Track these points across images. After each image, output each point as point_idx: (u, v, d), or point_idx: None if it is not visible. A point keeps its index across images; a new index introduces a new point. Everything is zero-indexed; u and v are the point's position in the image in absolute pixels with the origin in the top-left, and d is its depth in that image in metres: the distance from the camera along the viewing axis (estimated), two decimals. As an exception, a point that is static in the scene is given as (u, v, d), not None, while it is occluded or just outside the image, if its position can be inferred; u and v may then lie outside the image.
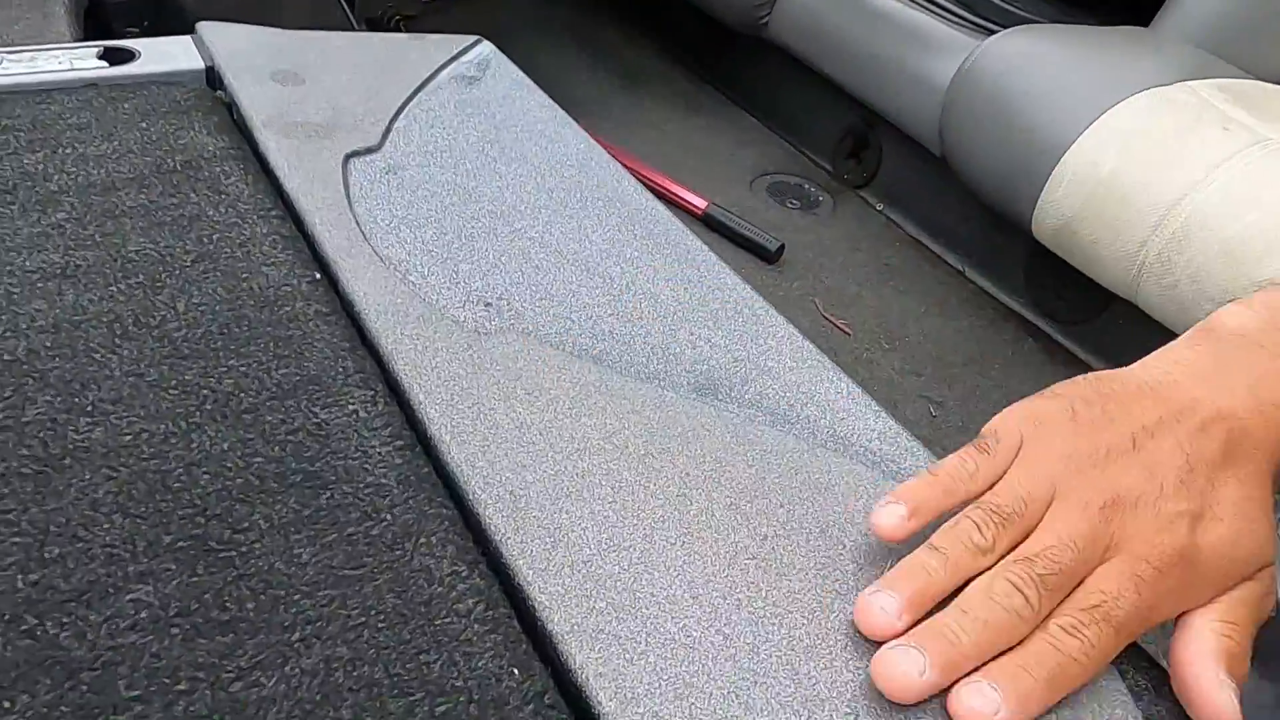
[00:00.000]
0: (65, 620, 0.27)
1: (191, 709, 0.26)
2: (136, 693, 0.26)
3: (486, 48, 0.64)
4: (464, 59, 0.62)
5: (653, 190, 1.49)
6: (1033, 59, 1.26)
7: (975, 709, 0.26)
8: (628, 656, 0.28)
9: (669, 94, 1.87)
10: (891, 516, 0.31)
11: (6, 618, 0.27)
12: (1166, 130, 1.12)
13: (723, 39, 1.80)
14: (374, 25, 1.74)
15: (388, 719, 0.26)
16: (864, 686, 0.28)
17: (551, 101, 0.60)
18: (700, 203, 1.52)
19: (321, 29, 0.70)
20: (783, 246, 1.46)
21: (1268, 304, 0.35)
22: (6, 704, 0.25)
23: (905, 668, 0.27)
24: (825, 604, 0.31)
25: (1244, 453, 0.30)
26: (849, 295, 1.41)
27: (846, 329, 1.34)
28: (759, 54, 1.73)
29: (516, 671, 0.28)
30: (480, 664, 0.28)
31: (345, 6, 1.44)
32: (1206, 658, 0.28)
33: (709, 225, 1.50)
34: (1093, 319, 1.34)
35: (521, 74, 0.63)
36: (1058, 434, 0.32)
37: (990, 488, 0.31)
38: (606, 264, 0.46)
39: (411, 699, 0.27)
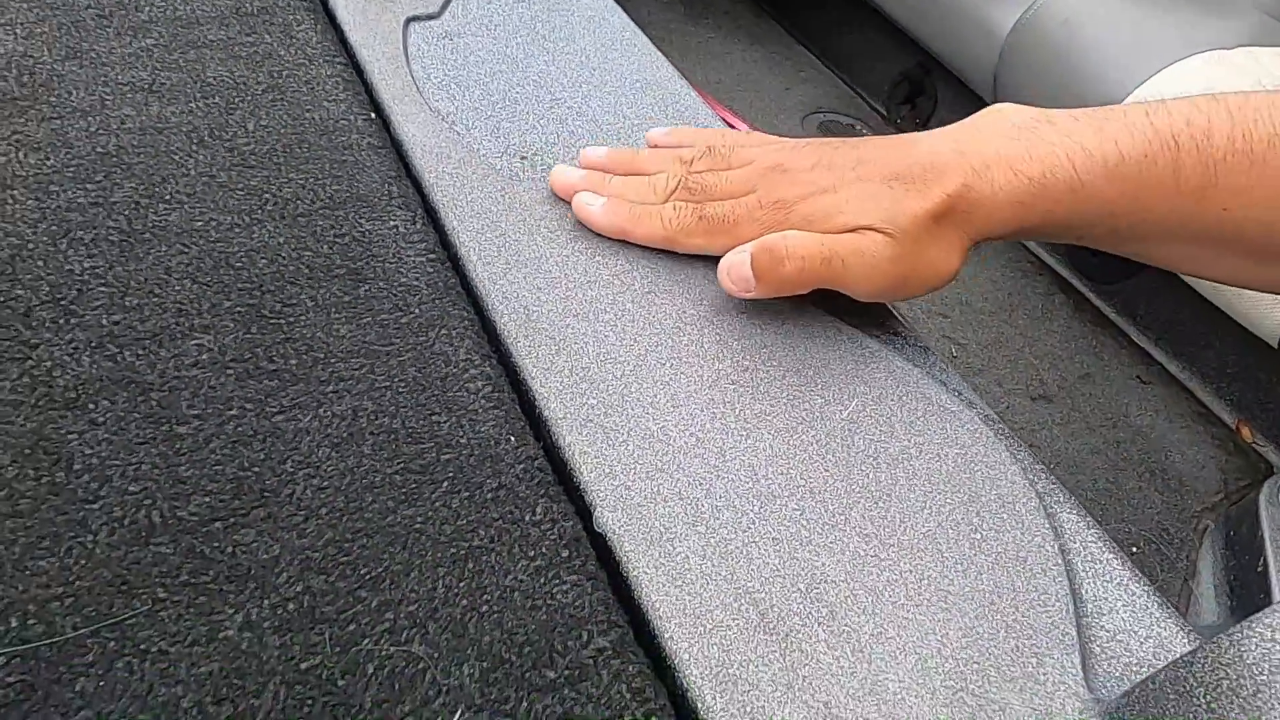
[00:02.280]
0: (140, 352, 0.32)
1: (240, 429, 0.31)
2: (196, 412, 0.31)
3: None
4: (526, -55, 0.66)
5: None
6: (1095, 12, 1.25)
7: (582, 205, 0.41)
8: (609, 443, 0.33)
9: (733, 26, 1.88)
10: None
11: (94, 344, 0.32)
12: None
13: (790, -27, 1.79)
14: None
15: (400, 458, 0.31)
16: (810, 489, 0.33)
17: (606, -7, 0.63)
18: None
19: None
20: (826, 183, 1.48)
21: (1046, 113, 0.39)
22: (91, 406, 0.30)
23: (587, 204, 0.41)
24: (789, 424, 0.35)
25: (920, 176, 0.36)
26: (886, 236, 1.42)
27: (879, 268, 1.36)
28: (825, -9, 1.72)
29: (513, 439, 0.33)
30: (483, 430, 0.33)
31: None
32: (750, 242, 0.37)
33: (756, 156, 1.51)
34: (1124, 281, 1.34)
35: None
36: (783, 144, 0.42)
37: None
38: (635, 135, 0.49)
39: (421, 446, 0.32)
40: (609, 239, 0.42)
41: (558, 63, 0.54)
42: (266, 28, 0.50)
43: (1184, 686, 0.25)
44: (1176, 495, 1.11)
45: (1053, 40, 1.27)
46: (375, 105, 0.47)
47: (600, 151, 0.45)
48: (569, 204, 0.43)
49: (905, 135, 0.40)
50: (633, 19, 0.62)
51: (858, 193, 0.37)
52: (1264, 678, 0.23)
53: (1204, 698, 0.24)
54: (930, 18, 1.49)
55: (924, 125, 1.64)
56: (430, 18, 0.55)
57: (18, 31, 0.44)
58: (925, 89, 1.62)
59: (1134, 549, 1.03)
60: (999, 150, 0.37)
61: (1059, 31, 1.27)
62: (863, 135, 1.65)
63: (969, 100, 1.48)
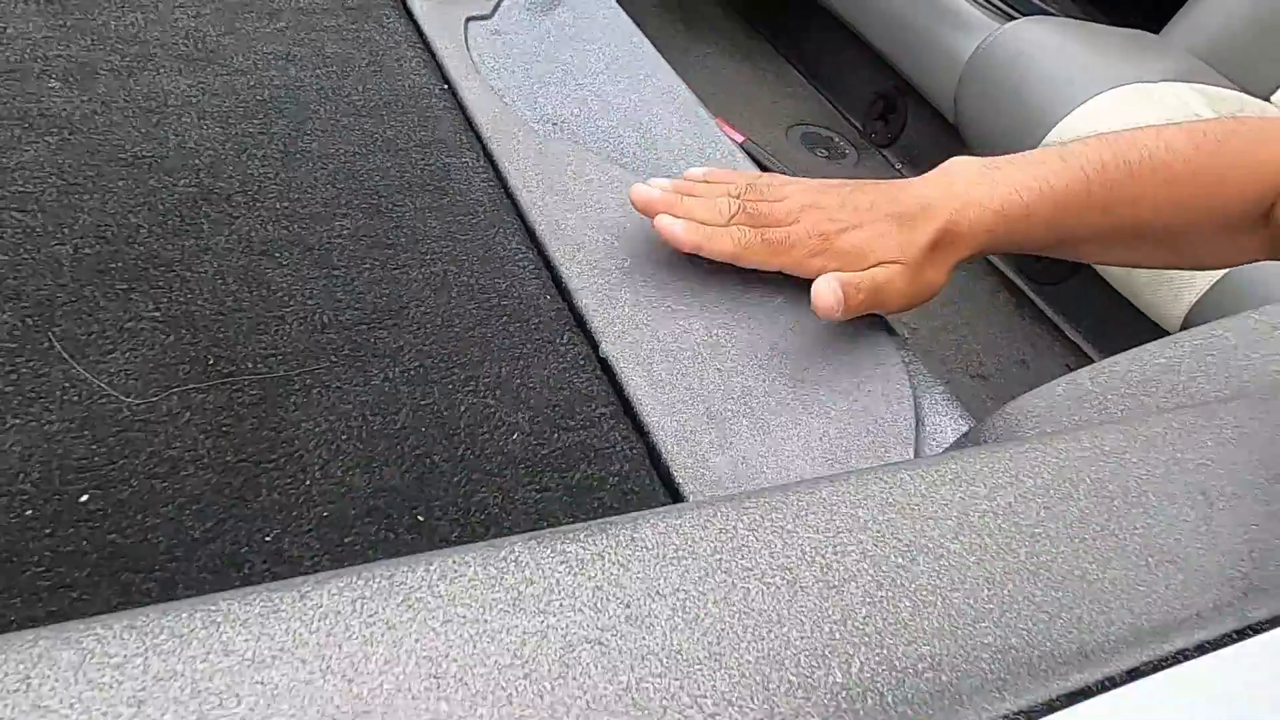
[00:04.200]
0: (303, 226, 0.48)
1: (371, 276, 0.47)
2: (343, 264, 0.47)
3: (574, -41, 0.84)
4: (556, -34, 0.82)
5: None
6: (1042, 46, 1.43)
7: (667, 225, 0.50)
8: (611, 302, 0.49)
9: (726, 43, 2.06)
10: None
11: (273, 219, 0.48)
12: (1139, 121, 1.29)
13: (782, -2, 1.97)
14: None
15: (475, 300, 0.47)
16: (747, 341, 0.49)
17: (618, 6, 0.80)
18: (738, 136, 1.72)
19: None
20: (803, 186, 1.65)
21: (992, 161, 0.54)
22: (277, 254, 0.46)
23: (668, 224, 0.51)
24: (740, 307, 0.51)
25: (917, 216, 0.50)
26: (854, 235, 1.60)
27: (846, 261, 1.54)
28: (810, 15, 1.90)
29: (548, 297, 0.49)
30: (528, 288, 0.49)
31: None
32: (828, 276, 0.48)
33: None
34: (1061, 283, 1.52)
35: (599, -17, 0.82)
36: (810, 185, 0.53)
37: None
38: (639, 115, 0.66)
39: (488, 296, 0.48)
40: (611, 180, 0.58)
41: (580, 57, 0.71)
42: (365, 19, 0.66)
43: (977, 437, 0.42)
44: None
45: (1004, 69, 1.45)
46: (446, 79, 0.63)
47: (667, 181, 0.54)
48: (587, 155, 0.59)
49: (896, 182, 0.52)
50: None
51: (877, 230, 0.50)
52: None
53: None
54: (901, 42, 1.67)
55: (894, 139, 1.82)
56: (485, 18, 0.72)
57: (189, 13, 0.61)
58: (897, 107, 1.80)
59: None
60: (969, 192, 0.50)
61: (1010, 61, 1.45)
62: (840, 146, 1.83)
63: (933, 119, 1.66)
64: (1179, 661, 0.26)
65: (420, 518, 0.37)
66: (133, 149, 0.50)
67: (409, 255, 0.49)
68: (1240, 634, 0.27)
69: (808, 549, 0.25)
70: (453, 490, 0.38)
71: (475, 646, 0.21)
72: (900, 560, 0.25)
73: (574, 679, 0.21)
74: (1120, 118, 1.30)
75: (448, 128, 0.59)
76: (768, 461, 0.44)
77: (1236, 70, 1.49)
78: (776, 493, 0.26)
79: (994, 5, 1.57)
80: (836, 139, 1.85)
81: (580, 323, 0.49)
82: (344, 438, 0.39)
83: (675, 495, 0.41)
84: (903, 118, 1.79)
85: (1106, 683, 0.24)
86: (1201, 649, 0.26)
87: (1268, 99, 1.49)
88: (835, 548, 0.25)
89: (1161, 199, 0.53)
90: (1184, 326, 1.21)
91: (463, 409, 0.42)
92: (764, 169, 1.72)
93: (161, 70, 0.55)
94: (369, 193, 0.52)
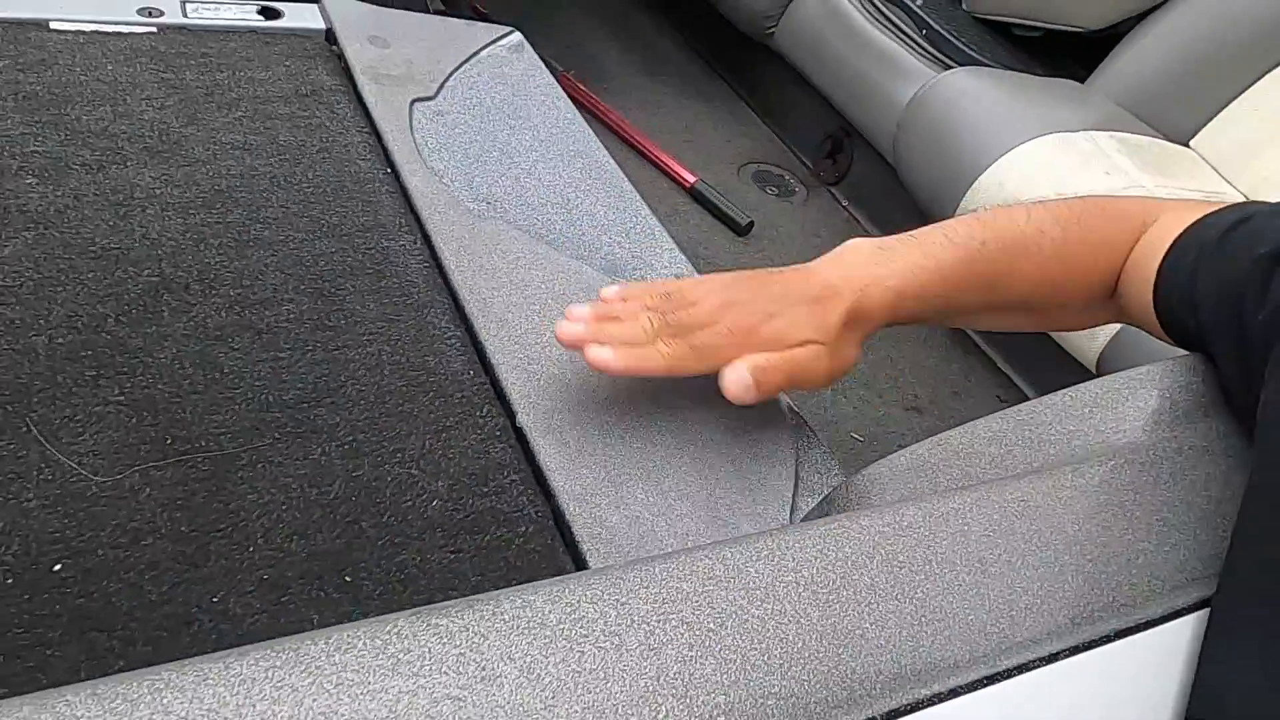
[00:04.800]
0: (254, 311, 0.55)
1: (314, 356, 0.53)
2: (289, 346, 0.53)
3: (517, 37, 0.91)
4: (500, 43, 0.89)
5: (652, 162, 1.81)
6: (973, 96, 1.52)
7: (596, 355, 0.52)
8: (529, 377, 0.56)
9: (683, 82, 2.14)
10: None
11: (227, 305, 0.54)
12: (1060, 167, 1.38)
13: (736, 41, 2.06)
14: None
15: (406, 378, 0.54)
16: (653, 402, 0.56)
17: (555, 83, 0.87)
18: (690, 178, 1.79)
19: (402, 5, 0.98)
20: (752, 224, 1.73)
21: (884, 242, 0.60)
22: (230, 339, 0.53)
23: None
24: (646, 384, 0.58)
25: (827, 299, 0.55)
26: (800, 271, 1.68)
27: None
28: (764, 58, 1.99)
29: (472, 372, 0.55)
30: (454, 365, 0.55)
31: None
32: (736, 364, 0.51)
33: (694, 197, 1.77)
34: (995, 317, 1.60)
35: (538, 59, 0.89)
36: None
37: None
38: (567, 192, 0.73)
39: (418, 372, 0.54)
40: (538, 258, 0.65)
41: (517, 135, 0.78)
42: (317, 105, 0.73)
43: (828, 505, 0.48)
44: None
45: (938, 116, 1.53)
46: (390, 163, 0.70)
47: (584, 309, 0.54)
48: (513, 232, 0.66)
49: (800, 268, 0.56)
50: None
51: (794, 315, 0.53)
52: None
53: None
54: (846, 88, 1.75)
55: (841, 178, 1.91)
56: (428, 99, 0.78)
57: (155, 105, 0.67)
58: (844, 148, 1.88)
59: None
60: (870, 273, 0.56)
61: (943, 109, 1.53)
62: (790, 184, 1.91)
63: (876, 160, 1.74)
64: (933, 704, 0.33)
65: (348, 579, 0.43)
66: (101, 241, 0.56)
67: (348, 337, 0.55)
68: (990, 680, 0.34)
69: (635, 618, 0.32)
70: (378, 553, 0.45)
71: (359, 704, 0.27)
72: (711, 625, 0.32)
73: (435, 728, 0.27)
74: (1042, 165, 1.39)
75: (389, 211, 0.65)
76: (659, 521, 0.50)
77: (1156, 117, 1.59)
78: (618, 570, 0.33)
79: (931, 54, 1.66)
80: (787, 177, 1.93)
81: (500, 395, 0.55)
82: (284, 508, 0.45)
83: (575, 554, 0.48)
84: (849, 158, 1.88)
85: (866, 723, 0.31)
86: (954, 693, 0.33)
87: (1185, 144, 1.59)
88: (659, 616, 0.32)
89: (1032, 275, 0.60)
90: (1099, 361, 1.29)
91: (389, 479, 0.48)
92: (716, 210, 1.81)
93: (129, 163, 0.62)
94: (314, 278, 0.58)
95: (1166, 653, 0.40)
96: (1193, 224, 0.55)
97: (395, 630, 0.29)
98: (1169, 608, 0.40)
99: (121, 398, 0.48)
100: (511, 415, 0.54)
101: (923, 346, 1.57)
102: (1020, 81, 1.58)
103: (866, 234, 1.80)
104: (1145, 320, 0.58)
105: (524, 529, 0.48)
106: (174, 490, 0.45)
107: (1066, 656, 0.36)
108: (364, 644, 0.28)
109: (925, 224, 0.60)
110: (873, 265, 0.57)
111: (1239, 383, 0.48)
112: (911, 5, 1.72)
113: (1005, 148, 1.42)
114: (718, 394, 0.58)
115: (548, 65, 0.92)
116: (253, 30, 0.79)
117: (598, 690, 0.29)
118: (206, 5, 0.80)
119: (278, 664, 0.27)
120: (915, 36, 1.69)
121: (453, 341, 0.57)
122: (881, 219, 1.83)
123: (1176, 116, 1.59)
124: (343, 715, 0.27)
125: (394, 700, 0.27)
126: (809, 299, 0.55)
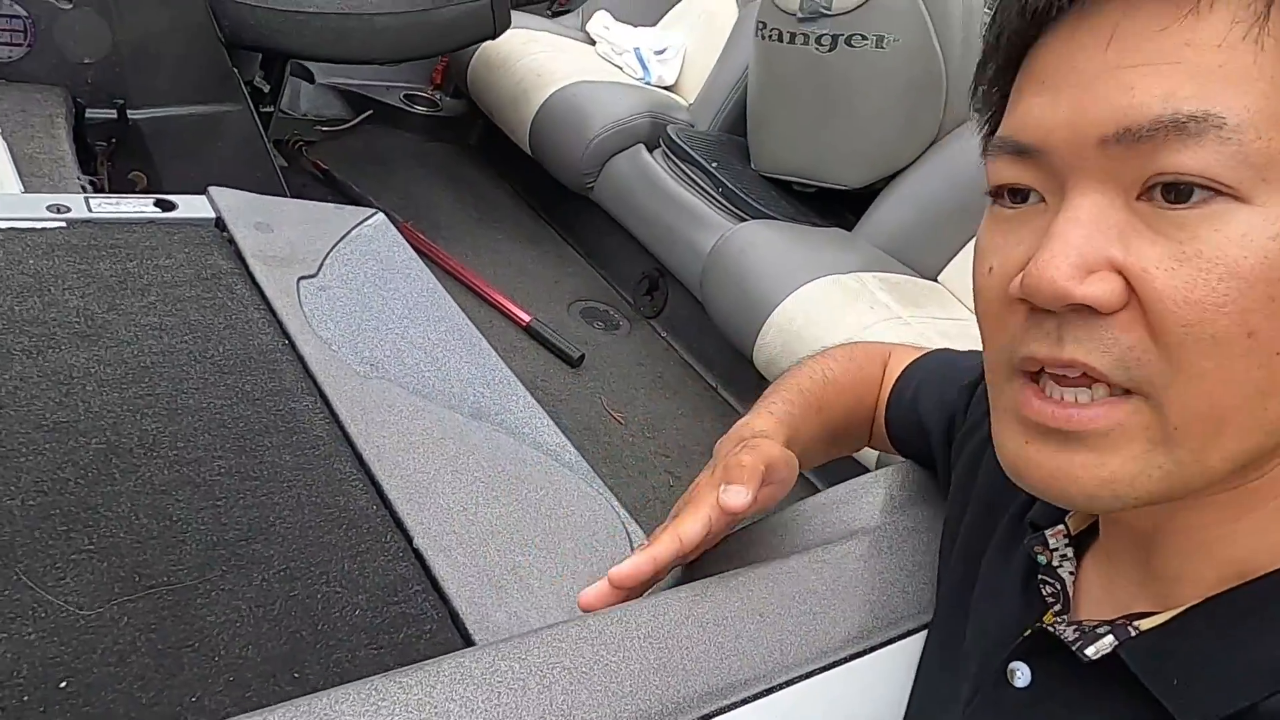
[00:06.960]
0: (183, 468, 0.67)
1: (230, 504, 0.66)
2: (208, 501, 0.66)
3: (380, 217, 1.08)
4: (367, 223, 1.06)
5: (490, 303, 2.01)
6: (762, 244, 1.81)
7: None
8: (423, 509, 0.70)
9: (515, 229, 2.35)
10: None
11: (171, 464, 0.66)
12: (835, 304, 1.67)
13: (561, 193, 2.31)
14: (280, 146, 2.14)
15: (319, 514, 0.67)
16: (493, 502, 0.71)
17: (417, 257, 1.04)
18: (525, 316, 1.98)
19: (249, 155, 1.11)
20: (584, 356, 1.93)
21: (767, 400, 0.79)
22: (170, 497, 0.64)
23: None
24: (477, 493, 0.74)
25: (755, 439, 0.73)
26: (627, 396, 1.88)
27: (621, 420, 1.81)
28: (586, 208, 2.24)
29: (375, 507, 0.69)
30: (359, 503, 0.69)
31: (261, 134, 1.85)
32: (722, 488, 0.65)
33: (530, 334, 1.95)
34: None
35: (401, 238, 1.06)
36: None
37: None
38: (435, 351, 0.89)
39: (329, 510, 0.68)
40: (416, 411, 0.80)
41: (388, 304, 0.93)
42: (217, 286, 0.86)
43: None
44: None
45: (734, 261, 1.80)
46: (285, 334, 0.84)
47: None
48: (395, 389, 0.81)
49: (740, 424, 0.67)
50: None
51: (743, 446, 0.61)
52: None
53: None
54: (659, 235, 2.01)
55: (659, 312, 2.15)
56: (312, 276, 0.93)
57: (77, 294, 0.79)
58: (660, 285, 2.14)
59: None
60: (764, 425, 0.70)
61: (739, 255, 1.80)
62: (614, 319, 2.14)
63: (688, 296, 2.00)
64: (734, 708, 0.49)
65: (296, 675, 0.56)
66: (51, 417, 0.67)
67: (271, 485, 0.68)
68: (766, 692, 0.51)
69: (509, 675, 0.47)
70: (317, 653, 0.57)
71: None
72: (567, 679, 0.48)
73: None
74: (820, 303, 1.67)
75: (290, 377, 0.79)
76: (530, 612, 0.65)
77: (910, 258, 1.93)
78: (488, 647, 0.48)
79: (727, 208, 1.95)
80: (611, 312, 2.16)
81: (398, 523, 0.69)
82: (238, 625, 0.57)
83: (469, 642, 0.62)
84: (665, 294, 2.13)
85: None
86: (744, 701, 0.50)
87: (934, 279, 1.93)
88: (523, 670, 0.47)
89: (835, 410, 0.80)
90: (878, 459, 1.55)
91: (319, 596, 0.61)
92: (550, 345, 1.99)
93: (63, 347, 0.73)
94: (237, 437, 0.71)
95: (895, 668, 0.58)
96: (909, 364, 0.77)
97: (322, 707, 0.42)
98: (889, 635, 0.59)
99: (91, 546, 0.59)
100: (409, 539, 0.68)
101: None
102: (800, 232, 1.89)
103: (685, 362, 2.05)
104: (884, 443, 0.79)
105: (429, 628, 0.62)
106: (147, 617, 0.56)
107: (820, 673, 0.54)
108: (323, 707, 0.42)
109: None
110: (768, 415, 0.71)
111: (945, 477, 0.69)
112: (708, 166, 2.02)
113: (790, 289, 1.69)
114: (568, 502, 0.75)
115: (389, 216, 1.09)
116: (151, 221, 0.92)
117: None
118: (109, 199, 0.92)
119: None
120: (713, 193, 1.98)
121: (356, 483, 0.71)
122: (694, 347, 2.07)
123: (925, 257, 1.94)
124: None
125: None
126: (750, 435, 0.67)
